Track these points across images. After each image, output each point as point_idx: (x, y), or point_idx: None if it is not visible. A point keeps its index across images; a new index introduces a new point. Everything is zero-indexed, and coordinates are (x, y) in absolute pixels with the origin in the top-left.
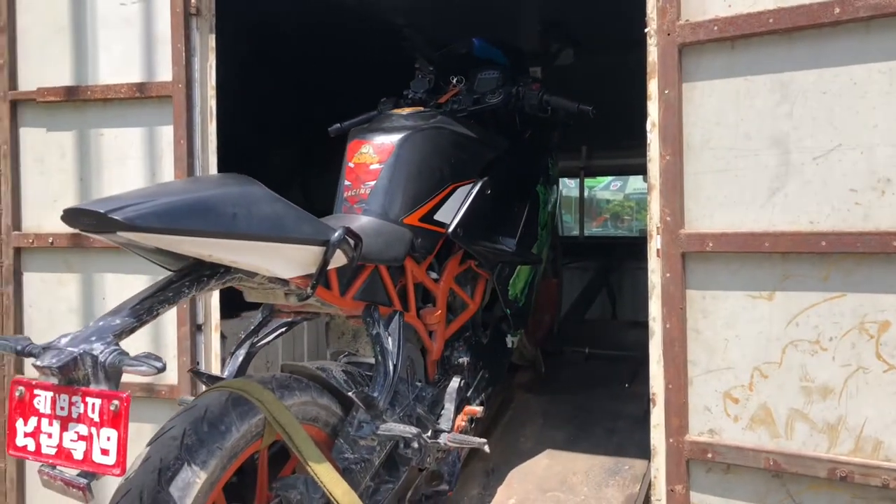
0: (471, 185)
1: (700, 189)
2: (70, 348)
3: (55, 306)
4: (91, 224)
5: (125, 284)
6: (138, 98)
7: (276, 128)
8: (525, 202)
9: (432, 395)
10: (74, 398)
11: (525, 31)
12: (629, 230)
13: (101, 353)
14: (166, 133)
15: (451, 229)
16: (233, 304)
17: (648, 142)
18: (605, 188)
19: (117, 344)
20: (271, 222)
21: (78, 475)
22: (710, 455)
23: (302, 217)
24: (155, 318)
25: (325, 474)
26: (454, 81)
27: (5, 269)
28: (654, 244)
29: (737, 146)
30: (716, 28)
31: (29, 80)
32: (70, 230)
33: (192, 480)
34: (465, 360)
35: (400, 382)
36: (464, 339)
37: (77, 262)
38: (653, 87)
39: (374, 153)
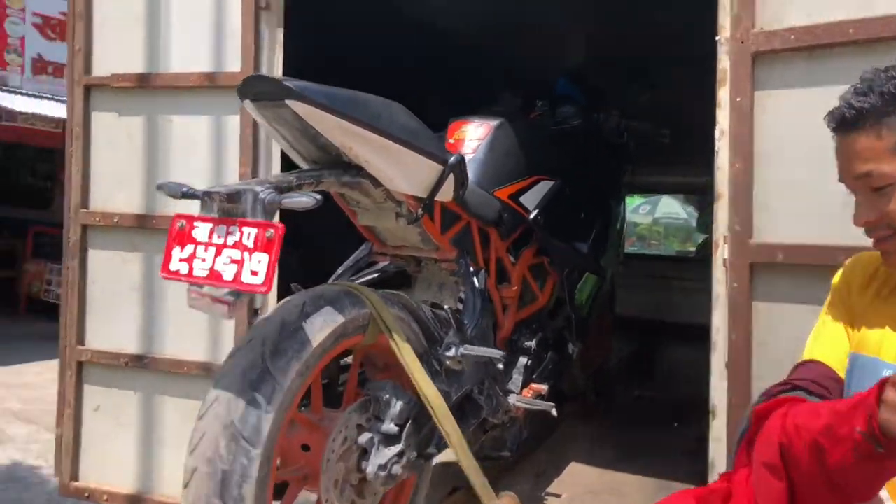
0: (553, 182)
1: (771, 199)
2: (236, 186)
3: (117, 284)
4: (263, 92)
5: None
6: (207, 87)
7: None
8: (599, 214)
9: (503, 363)
10: (232, 228)
11: (610, 74)
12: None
13: (261, 191)
14: (232, 122)
15: (532, 216)
16: (289, 289)
17: (716, 149)
18: (633, 211)
19: (274, 188)
20: (407, 131)
21: (226, 294)
22: None
23: (431, 136)
24: (299, 189)
25: (420, 375)
26: (539, 104)
27: (72, 244)
28: (721, 254)
29: (810, 157)
30: (792, 37)
31: (102, 66)
32: (136, 210)
33: (309, 339)
34: (531, 345)
35: (475, 340)
36: (531, 329)
37: (141, 242)
38: (723, 94)
39: (473, 132)
